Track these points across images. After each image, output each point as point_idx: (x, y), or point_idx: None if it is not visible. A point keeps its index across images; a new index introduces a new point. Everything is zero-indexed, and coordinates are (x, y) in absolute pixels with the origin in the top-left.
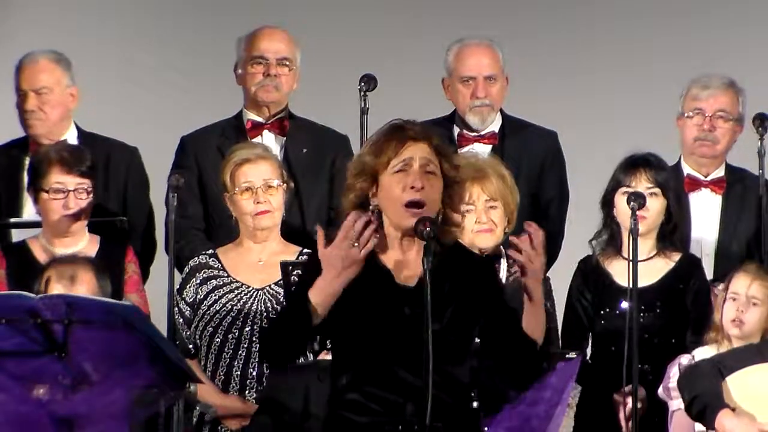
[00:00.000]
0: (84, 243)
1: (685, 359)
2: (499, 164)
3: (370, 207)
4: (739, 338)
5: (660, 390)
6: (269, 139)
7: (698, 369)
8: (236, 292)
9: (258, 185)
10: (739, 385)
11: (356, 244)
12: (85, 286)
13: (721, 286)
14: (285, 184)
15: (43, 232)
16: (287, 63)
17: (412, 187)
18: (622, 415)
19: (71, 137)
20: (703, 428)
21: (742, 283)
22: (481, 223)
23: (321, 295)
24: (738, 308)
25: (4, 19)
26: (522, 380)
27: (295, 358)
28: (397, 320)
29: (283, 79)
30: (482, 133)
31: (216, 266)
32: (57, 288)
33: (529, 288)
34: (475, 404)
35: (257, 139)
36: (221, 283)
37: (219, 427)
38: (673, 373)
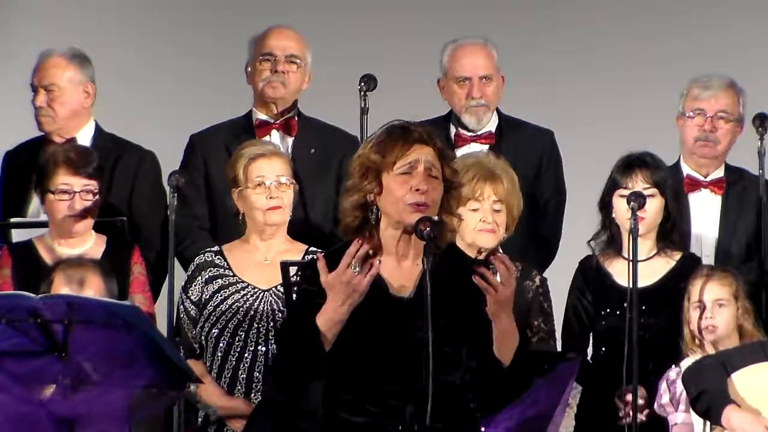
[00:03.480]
0: (90, 244)
1: (673, 373)
2: (509, 168)
3: (372, 208)
4: (715, 342)
5: (655, 406)
6: (277, 139)
7: (703, 365)
8: (242, 292)
9: (271, 181)
10: (743, 383)
11: (358, 270)
12: (93, 290)
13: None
14: (294, 184)
15: (49, 232)
16: (295, 60)
17: (417, 190)
18: (620, 404)
19: (87, 134)
20: None
21: (703, 289)
22: (486, 222)
23: (328, 323)
24: (706, 315)
25: (4, 19)
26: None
27: (311, 382)
28: (392, 331)
29: (291, 76)
30: (479, 133)
31: (222, 265)
32: (64, 291)
33: (491, 314)
34: (472, 405)
35: (265, 139)
36: (227, 282)
37: (225, 429)
38: (663, 389)
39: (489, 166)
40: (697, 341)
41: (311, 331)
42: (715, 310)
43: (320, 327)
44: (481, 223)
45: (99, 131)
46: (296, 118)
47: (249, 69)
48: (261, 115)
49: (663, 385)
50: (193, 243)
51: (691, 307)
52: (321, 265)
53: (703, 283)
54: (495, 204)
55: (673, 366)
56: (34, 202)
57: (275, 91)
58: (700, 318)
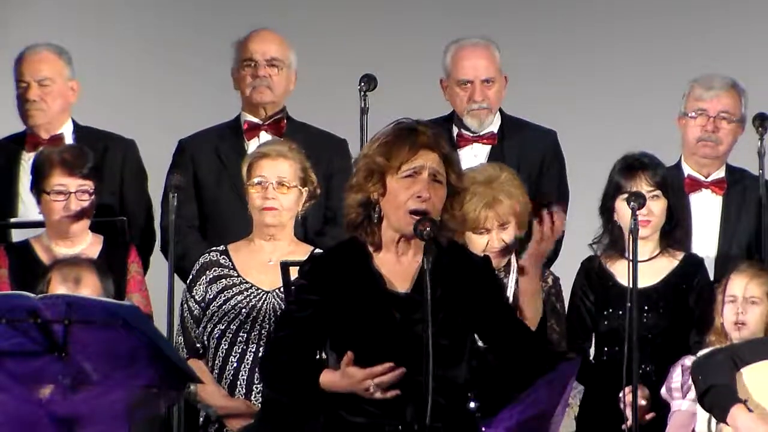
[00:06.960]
0: (87, 243)
1: (688, 360)
2: (506, 181)
3: (374, 207)
4: (742, 339)
5: (663, 390)
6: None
7: (713, 359)
8: (245, 293)
9: (271, 181)
10: (753, 378)
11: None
12: (89, 289)
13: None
14: (305, 188)
15: (45, 232)
16: (276, 63)
17: (419, 196)
18: (628, 411)
19: (67, 131)
20: (704, 429)
21: (738, 285)
22: (493, 247)
23: (329, 387)
24: (737, 310)
25: (3, 19)
26: (530, 373)
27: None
28: (389, 326)
29: (275, 79)
30: (481, 133)
31: (226, 264)
32: (61, 290)
33: (524, 267)
34: (472, 405)
35: (254, 141)
36: (231, 283)
37: (225, 430)
38: (676, 374)
39: (488, 191)
40: (724, 334)
41: (312, 378)
42: (747, 306)
43: (322, 381)
44: (489, 247)
45: (77, 126)
46: (285, 121)
47: (235, 74)
48: (249, 118)
49: (677, 370)
50: (180, 241)
51: (725, 300)
52: (348, 357)
53: (740, 279)
54: (500, 227)
55: (689, 355)
56: (22, 202)
57: (263, 95)
58: (732, 313)
